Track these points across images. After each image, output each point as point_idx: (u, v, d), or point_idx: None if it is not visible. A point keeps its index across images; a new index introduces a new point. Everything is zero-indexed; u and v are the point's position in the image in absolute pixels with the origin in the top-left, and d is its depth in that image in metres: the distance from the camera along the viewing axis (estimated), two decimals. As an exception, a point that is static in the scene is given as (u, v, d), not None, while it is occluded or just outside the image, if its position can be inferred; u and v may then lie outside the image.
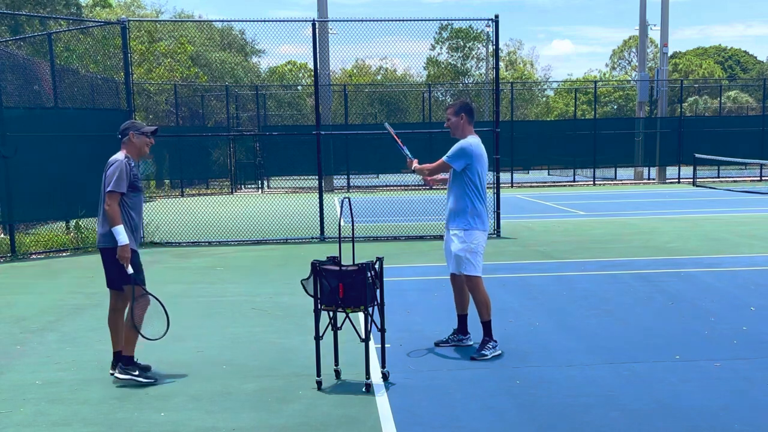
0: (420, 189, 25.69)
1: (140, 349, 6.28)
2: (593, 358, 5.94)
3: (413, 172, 6.41)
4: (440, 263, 8.17)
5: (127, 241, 5.35)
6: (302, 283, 5.31)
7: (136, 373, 5.44)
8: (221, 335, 6.78)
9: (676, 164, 30.23)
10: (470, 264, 6.02)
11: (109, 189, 5.37)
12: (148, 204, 16.16)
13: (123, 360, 5.47)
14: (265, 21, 15.56)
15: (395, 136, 6.53)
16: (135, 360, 5.51)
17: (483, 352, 5.99)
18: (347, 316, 5.32)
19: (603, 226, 14.80)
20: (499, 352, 6.04)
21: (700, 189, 26.11)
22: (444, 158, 6.09)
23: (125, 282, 5.44)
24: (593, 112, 36.18)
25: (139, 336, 5.47)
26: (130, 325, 5.43)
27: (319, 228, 13.31)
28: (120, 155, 5.54)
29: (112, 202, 5.36)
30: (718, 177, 31.18)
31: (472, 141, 6.08)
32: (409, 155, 6.39)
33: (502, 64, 53.26)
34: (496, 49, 14.12)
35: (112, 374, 5.50)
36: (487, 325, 6.07)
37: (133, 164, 5.52)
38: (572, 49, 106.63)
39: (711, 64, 64.40)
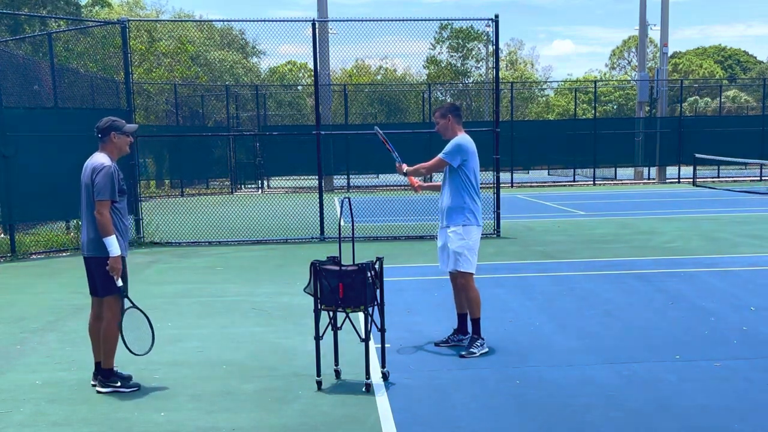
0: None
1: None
2: (593, 358, 5.94)
3: (405, 175, 6.39)
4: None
5: (119, 252, 5.17)
6: (306, 291, 5.31)
7: (119, 384, 5.29)
8: (221, 335, 6.78)
9: (676, 164, 30.22)
10: (467, 260, 6.05)
11: (100, 197, 5.14)
12: (148, 204, 16.17)
13: (103, 373, 5.31)
14: (265, 21, 15.59)
15: (385, 140, 6.52)
16: (115, 370, 5.37)
17: (471, 350, 6.01)
18: (347, 316, 5.32)
19: (603, 226, 14.79)
20: (487, 349, 6.07)
21: (700, 189, 26.10)
22: (441, 155, 6.13)
23: (110, 292, 5.27)
24: (593, 112, 36.19)
25: (118, 347, 5.32)
26: (112, 337, 5.28)
27: (319, 228, 13.31)
28: (104, 159, 5.27)
29: (105, 210, 5.13)
30: (718, 177, 31.18)
31: (466, 138, 6.18)
32: (399, 159, 6.39)
33: (502, 64, 53.23)
34: (496, 49, 14.12)
35: (94, 386, 5.35)
36: (476, 323, 6.11)
37: (117, 167, 5.31)
38: (572, 49, 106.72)
39: (711, 64, 64.42)
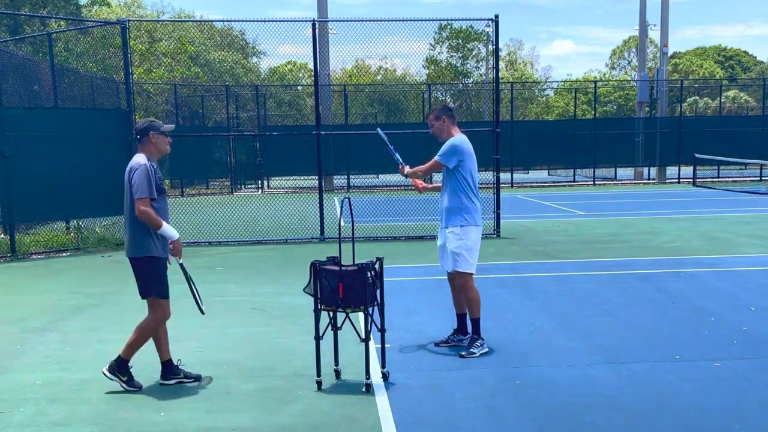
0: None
1: (142, 347, 6.29)
2: (593, 358, 5.94)
3: (406, 176, 6.44)
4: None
5: (177, 235, 5.32)
6: (306, 291, 5.32)
7: (125, 378, 5.33)
8: (221, 335, 6.78)
9: (676, 164, 30.22)
10: (465, 261, 6.06)
11: (139, 195, 5.16)
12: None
13: (118, 361, 5.36)
14: (265, 21, 15.59)
15: (387, 142, 6.56)
16: (130, 366, 5.39)
17: (472, 350, 6.01)
18: (347, 316, 5.31)
19: (603, 226, 14.80)
20: (487, 349, 6.07)
21: (700, 189, 26.10)
22: (436, 157, 6.15)
23: (149, 293, 5.34)
24: (593, 112, 36.17)
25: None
26: (145, 336, 5.40)
27: (319, 228, 13.31)
28: (142, 158, 5.31)
29: (144, 206, 5.16)
30: (718, 177, 31.18)
31: (461, 139, 6.18)
32: (401, 161, 6.45)
33: (502, 64, 53.25)
34: (496, 49, 14.12)
35: (162, 384, 5.44)
36: (476, 323, 6.11)
37: (155, 166, 5.35)
38: (572, 49, 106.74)
39: (711, 64, 64.41)
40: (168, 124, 5.57)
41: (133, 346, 5.39)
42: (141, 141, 5.42)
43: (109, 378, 5.32)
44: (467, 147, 6.14)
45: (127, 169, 5.34)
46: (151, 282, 5.33)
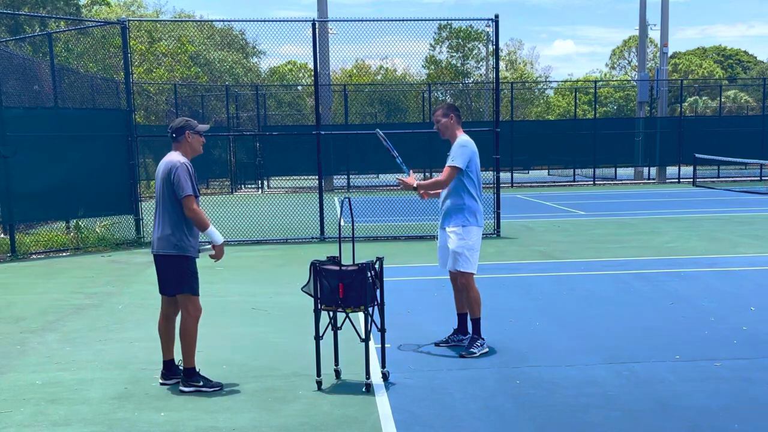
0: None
1: (143, 347, 6.29)
2: (593, 358, 5.94)
3: (415, 189, 6.17)
4: (440, 263, 8.15)
5: (222, 240, 5.36)
6: (303, 290, 5.31)
7: (201, 384, 5.28)
8: (221, 335, 6.78)
9: (676, 164, 30.22)
10: (467, 260, 6.05)
11: (184, 194, 5.15)
12: (148, 204, 16.15)
13: (186, 372, 5.30)
14: (265, 21, 15.59)
15: (387, 144, 6.28)
16: (198, 370, 5.35)
17: (471, 350, 6.01)
18: (347, 316, 5.31)
19: (603, 226, 14.80)
20: (487, 349, 6.07)
21: (700, 189, 26.10)
22: (451, 164, 6.03)
23: (181, 290, 5.29)
24: (593, 112, 36.18)
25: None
26: (190, 335, 5.30)
27: (319, 228, 13.31)
28: (179, 157, 5.28)
29: (193, 205, 5.17)
30: (718, 177, 31.16)
31: (468, 139, 6.17)
32: (405, 169, 6.21)
33: (502, 64, 53.23)
34: (496, 49, 14.12)
35: (162, 384, 5.38)
36: (476, 323, 6.11)
37: (192, 165, 5.32)
38: (573, 50, 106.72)
39: (711, 64, 64.40)
40: (203, 124, 5.53)
41: (188, 351, 5.32)
42: (176, 140, 5.39)
43: (188, 391, 5.23)
44: (473, 147, 6.13)
45: (164, 167, 5.27)
46: (188, 279, 5.29)
